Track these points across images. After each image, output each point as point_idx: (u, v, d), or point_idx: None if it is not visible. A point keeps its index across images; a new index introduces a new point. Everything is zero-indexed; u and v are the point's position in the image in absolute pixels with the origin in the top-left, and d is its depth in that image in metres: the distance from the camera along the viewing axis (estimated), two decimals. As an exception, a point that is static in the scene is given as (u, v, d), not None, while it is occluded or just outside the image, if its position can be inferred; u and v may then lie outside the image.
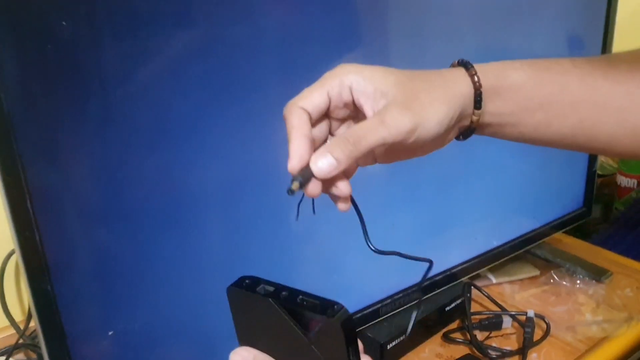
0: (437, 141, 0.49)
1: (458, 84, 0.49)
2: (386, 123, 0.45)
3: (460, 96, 0.49)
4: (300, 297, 0.43)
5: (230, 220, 0.70)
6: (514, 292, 1.04)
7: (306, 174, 0.45)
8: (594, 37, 1.04)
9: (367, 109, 0.47)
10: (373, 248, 0.50)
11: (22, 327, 0.85)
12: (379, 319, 0.87)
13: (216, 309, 0.70)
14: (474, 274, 1.00)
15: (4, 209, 0.55)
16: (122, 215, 0.62)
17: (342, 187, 0.48)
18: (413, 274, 0.92)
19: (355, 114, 0.49)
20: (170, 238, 0.66)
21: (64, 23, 0.53)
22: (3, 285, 0.83)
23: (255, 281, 0.45)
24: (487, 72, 0.50)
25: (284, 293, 0.44)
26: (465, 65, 0.50)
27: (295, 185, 0.45)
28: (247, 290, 0.44)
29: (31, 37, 0.53)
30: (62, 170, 0.58)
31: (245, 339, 0.47)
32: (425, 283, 0.93)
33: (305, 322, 0.43)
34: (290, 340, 0.44)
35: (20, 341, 0.83)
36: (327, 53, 0.71)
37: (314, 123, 0.47)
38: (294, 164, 0.45)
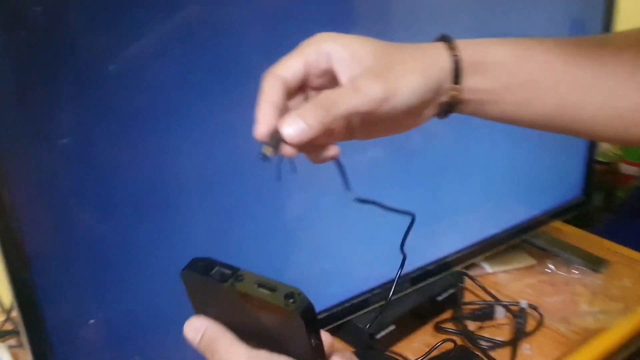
0: (413, 114, 0.48)
1: (436, 57, 0.48)
2: (358, 89, 0.45)
3: (438, 69, 0.48)
4: (258, 282, 0.42)
5: (215, 207, 0.69)
6: (509, 281, 1.03)
7: (276, 139, 0.44)
8: (594, 20, 1.02)
9: (342, 76, 0.46)
10: (353, 197, 0.49)
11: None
12: (368, 309, 0.86)
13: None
14: (468, 263, 0.99)
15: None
16: (103, 202, 0.62)
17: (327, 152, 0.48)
18: (405, 263, 0.91)
19: (332, 83, 0.48)
20: (152, 226, 0.65)
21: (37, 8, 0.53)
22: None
23: (210, 264, 0.44)
24: (468, 48, 0.49)
25: (240, 278, 0.42)
26: (446, 39, 0.49)
27: (267, 150, 0.44)
28: (201, 275, 0.43)
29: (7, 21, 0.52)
30: (41, 158, 0.57)
31: (201, 309, 0.46)
32: (418, 272, 0.92)
33: (263, 310, 0.42)
34: (249, 322, 0.43)
35: (8, 326, 0.84)
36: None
37: (291, 93, 0.47)
38: (260, 129, 0.45)
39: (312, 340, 0.41)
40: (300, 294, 0.41)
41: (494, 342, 0.89)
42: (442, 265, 0.94)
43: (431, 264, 0.93)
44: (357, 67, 0.46)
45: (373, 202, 0.50)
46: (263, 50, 0.67)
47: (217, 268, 0.43)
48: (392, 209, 0.51)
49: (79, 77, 0.57)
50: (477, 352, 0.85)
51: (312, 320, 0.41)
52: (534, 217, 1.06)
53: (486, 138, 0.94)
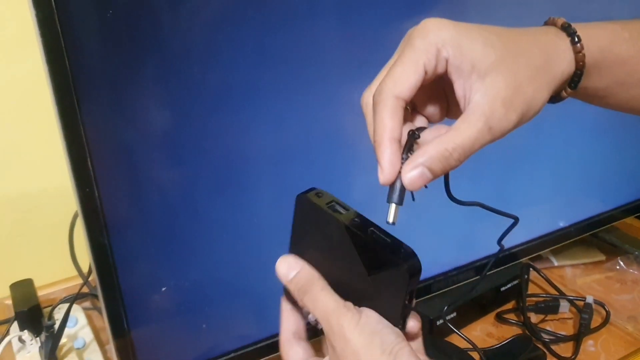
0: None
1: (560, 62, 0.43)
2: (494, 129, 0.40)
3: (561, 77, 0.43)
4: (371, 229, 0.42)
5: (283, 183, 0.71)
6: (575, 276, 1.01)
7: (396, 186, 0.42)
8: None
9: (458, 87, 0.41)
10: (454, 198, 0.47)
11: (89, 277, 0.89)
12: (430, 295, 0.86)
13: (265, 270, 0.72)
14: (534, 255, 0.98)
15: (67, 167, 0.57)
16: (178, 175, 0.64)
17: None
18: (470, 251, 0.91)
19: (440, 86, 0.44)
20: (224, 201, 0.67)
21: None
22: (73, 237, 0.88)
23: (329, 197, 0.44)
24: (592, 44, 0.44)
25: (356, 220, 0.42)
26: (570, 32, 0.44)
27: (393, 216, 0.42)
28: (319, 205, 0.43)
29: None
30: (121, 132, 0.60)
31: (297, 249, 0.46)
32: (483, 262, 0.91)
33: (369, 255, 0.41)
34: (347, 266, 0.43)
35: (85, 289, 0.88)
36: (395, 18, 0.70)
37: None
38: (387, 177, 0.41)
39: (406, 301, 0.41)
40: (412, 251, 0.40)
41: (557, 336, 0.87)
42: (508, 256, 0.93)
43: (496, 254, 0.92)
44: (477, 82, 0.40)
45: (477, 204, 0.49)
46: (338, 33, 0.67)
47: (333, 203, 0.43)
48: (497, 211, 0.50)
49: (162, 55, 0.59)
50: (538, 345, 0.84)
51: (415, 280, 0.40)
52: (605, 212, 1.03)
53: (563, 129, 0.92)
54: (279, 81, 0.65)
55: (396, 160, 0.41)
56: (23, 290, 0.85)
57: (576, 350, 0.84)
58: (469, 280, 0.90)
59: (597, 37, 0.45)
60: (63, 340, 0.80)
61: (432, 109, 0.46)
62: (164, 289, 0.67)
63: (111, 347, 0.66)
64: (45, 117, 0.55)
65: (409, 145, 0.42)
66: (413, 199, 0.43)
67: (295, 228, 0.46)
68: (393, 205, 0.42)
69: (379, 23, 0.70)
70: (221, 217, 0.68)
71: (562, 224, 0.99)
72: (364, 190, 0.77)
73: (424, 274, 0.85)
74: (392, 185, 0.41)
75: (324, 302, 0.43)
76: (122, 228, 0.62)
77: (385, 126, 0.40)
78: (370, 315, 0.42)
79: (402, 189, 0.41)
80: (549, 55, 0.43)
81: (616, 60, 0.46)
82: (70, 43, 0.53)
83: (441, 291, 0.87)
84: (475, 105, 0.40)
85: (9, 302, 0.91)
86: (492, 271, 0.92)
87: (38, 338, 0.80)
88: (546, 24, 0.47)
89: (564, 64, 0.44)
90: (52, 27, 0.52)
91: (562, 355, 0.83)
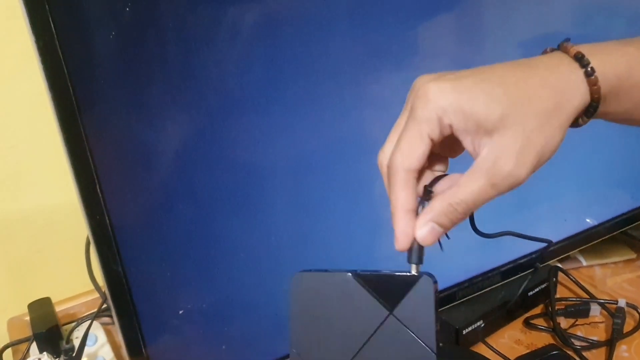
0: None
1: (574, 98, 0.42)
2: (498, 186, 0.41)
3: (575, 112, 0.42)
4: (375, 272, 0.43)
5: (299, 201, 0.69)
6: (605, 276, 0.98)
7: (414, 247, 0.44)
8: None
9: (467, 144, 0.42)
10: (481, 233, 0.48)
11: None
12: (455, 303, 0.84)
13: (282, 290, 0.70)
14: (563, 256, 0.95)
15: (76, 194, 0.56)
16: (190, 197, 0.62)
17: None
18: (493, 257, 0.88)
19: (449, 143, 0.44)
20: (238, 219, 0.65)
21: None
22: (89, 254, 0.87)
23: (322, 270, 0.45)
24: (608, 72, 0.42)
25: (358, 271, 0.43)
26: (583, 63, 0.42)
27: (415, 270, 0.43)
28: (317, 271, 0.44)
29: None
30: (129, 156, 0.58)
31: (303, 341, 0.46)
32: (509, 266, 0.88)
33: (385, 290, 0.43)
34: (364, 320, 0.43)
35: (104, 306, 0.87)
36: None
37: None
38: (402, 245, 0.43)
39: (437, 318, 0.42)
40: (427, 273, 0.43)
41: (588, 342, 0.85)
42: (535, 259, 0.90)
43: (523, 257, 0.89)
44: (485, 137, 0.41)
45: (506, 233, 0.49)
46: (351, 45, 0.65)
47: (327, 269, 0.45)
48: (528, 237, 0.49)
49: (171, 69, 0.57)
50: (569, 352, 0.81)
51: (438, 298, 0.43)
52: (635, 209, 1.00)
53: (590, 124, 0.89)
54: (292, 91, 0.63)
55: (409, 229, 0.43)
56: (41, 310, 0.84)
57: (609, 357, 0.82)
58: (494, 286, 0.87)
59: (613, 65, 0.43)
60: (83, 359, 0.79)
61: (449, 150, 0.46)
62: (181, 311, 0.66)
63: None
64: (57, 134, 0.53)
65: (424, 200, 0.43)
66: (441, 249, 0.44)
67: (294, 315, 0.46)
68: (414, 265, 0.43)
69: (393, 29, 0.67)
70: (237, 237, 0.66)
71: (590, 223, 0.95)
72: (382, 200, 0.75)
73: (448, 282, 0.83)
74: (409, 248, 0.43)
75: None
76: (136, 253, 0.61)
77: (398, 199, 0.43)
78: None
79: (420, 248, 0.43)
80: (561, 94, 0.42)
81: (635, 85, 0.43)
82: (73, 67, 0.51)
83: (466, 298, 0.85)
84: (481, 161, 0.41)
85: (27, 318, 0.90)
86: (518, 275, 0.89)
87: None
88: (559, 47, 0.45)
89: (578, 99, 0.42)
90: (54, 55, 0.50)
91: (595, 361, 0.81)
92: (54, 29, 0.50)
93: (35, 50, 0.50)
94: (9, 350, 0.90)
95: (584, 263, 1.00)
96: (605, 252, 1.01)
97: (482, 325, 0.85)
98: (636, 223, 1.01)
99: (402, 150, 0.42)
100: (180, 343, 0.67)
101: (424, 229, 0.42)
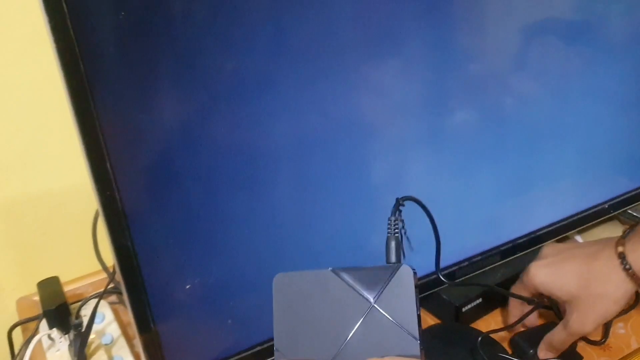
0: None
1: (618, 288, 0.70)
2: (573, 335, 0.73)
3: (624, 294, 0.70)
4: (354, 268, 0.45)
5: (303, 178, 0.70)
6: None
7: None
8: None
9: (561, 306, 0.79)
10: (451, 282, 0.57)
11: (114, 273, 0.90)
12: (455, 281, 0.86)
13: (287, 263, 0.72)
14: (561, 236, 0.96)
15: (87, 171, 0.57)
16: (197, 174, 0.64)
17: None
18: (494, 236, 0.90)
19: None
20: (244, 197, 0.67)
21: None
22: (96, 234, 0.88)
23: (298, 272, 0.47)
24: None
25: (335, 267, 0.45)
26: (624, 264, 0.69)
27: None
28: (298, 272, 0.46)
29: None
30: (138, 132, 0.60)
31: (287, 340, 0.47)
32: (508, 246, 0.90)
33: (366, 282, 0.44)
34: (347, 314, 0.44)
35: (111, 285, 0.89)
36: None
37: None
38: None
39: (418, 304, 0.44)
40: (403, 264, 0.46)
41: (586, 319, 0.86)
42: (533, 239, 0.92)
43: (522, 237, 0.91)
44: (568, 307, 0.74)
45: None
46: (358, 24, 0.66)
47: (306, 270, 0.48)
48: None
49: (177, 50, 0.58)
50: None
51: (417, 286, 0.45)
52: (635, 189, 1.01)
53: (587, 105, 0.90)
54: (297, 72, 0.65)
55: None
56: (50, 288, 0.86)
57: (606, 333, 0.83)
58: (494, 265, 0.89)
59: None
60: (91, 336, 0.80)
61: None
62: (188, 286, 0.67)
63: (138, 342, 0.67)
64: (65, 115, 0.55)
65: None
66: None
67: (278, 316, 0.48)
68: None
69: (398, 9, 0.68)
70: (242, 213, 0.67)
71: (589, 204, 0.97)
72: (384, 179, 0.77)
73: (449, 260, 0.85)
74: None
75: None
76: (145, 229, 0.62)
77: (511, 312, 0.85)
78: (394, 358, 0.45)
79: (397, 245, 0.52)
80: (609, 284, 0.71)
81: None
82: (84, 47, 0.53)
83: (466, 277, 0.87)
84: (565, 320, 0.75)
85: (37, 298, 0.92)
86: (517, 255, 0.91)
87: (67, 336, 0.81)
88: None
89: (623, 287, 0.70)
90: (66, 34, 0.52)
91: (592, 338, 0.82)
92: (66, 10, 0.51)
93: (49, 30, 0.51)
94: (18, 329, 0.92)
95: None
96: (602, 232, 1.03)
97: (481, 303, 0.87)
98: (635, 204, 1.03)
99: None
100: (187, 317, 0.69)
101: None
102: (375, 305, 0.44)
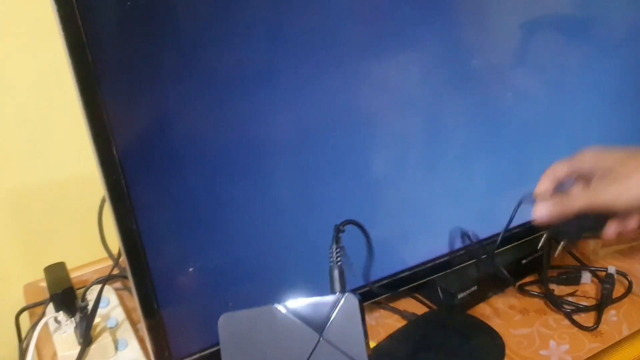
0: None
1: None
2: (592, 195, 0.67)
3: None
4: (299, 300, 0.45)
5: (303, 168, 0.72)
6: (597, 246, 1.01)
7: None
8: None
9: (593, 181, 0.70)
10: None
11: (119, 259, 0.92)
12: (450, 269, 0.88)
13: (287, 251, 0.74)
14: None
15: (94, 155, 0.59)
16: (201, 160, 0.66)
17: None
18: (489, 226, 0.91)
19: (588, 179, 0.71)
20: (246, 183, 0.69)
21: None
22: (102, 221, 0.90)
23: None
24: None
25: (280, 303, 0.46)
26: None
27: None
28: (243, 311, 0.46)
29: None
30: (144, 119, 0.62)
31: None
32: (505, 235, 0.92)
33: (312, 316, 0.45)
34: (297, 348, 0.45)
35: (116, 271, 0.91)
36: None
37: (561, 179, 0.74)
38: (537, 189, 0.75)
39: (365, 328, 0.45)
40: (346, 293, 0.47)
41: (578, 307, 0.88)
42: (530, 229, 0.94)
43: (518, 226, 0.93)
44: (601, 178, 0.68)
45: None
46: (358, 18, 0.68)
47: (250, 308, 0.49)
48: None
49: (181, 40, 0.60)
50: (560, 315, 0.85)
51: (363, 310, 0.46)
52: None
53: (582, 97, 0.92)
54: (297, 63, 0.67)
55: (546, 184, 0.75)
56: (56, 273, 0.88)
57: (598, 320, 0.85)
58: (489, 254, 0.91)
59: None
60: (96, 320, 0.83)
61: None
62: (191, 269, 0.69)
63: (142, 326, 0.69)
64: (72, 105, 0.57)
65: None
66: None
67: (226, 357, 0.47)
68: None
69: (397, 4, 0.70)
70: (244, 200, 0.69)
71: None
72: (385, 172, 0.79)
73: (445, 249, 0.87)
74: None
75: None
76: (149, 213, 0.64)
77: (543, 178, 0.76)
78: None
79: (341, 275, 0.51)
80: None
81: None
82: (91, 36, 0.55)
83: (461, 265, 0.88)
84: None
85: (44, 284, 0.94)
86: (513, 244, 0.93)
87: (73, 319, 0.83)
88: None
89: None
90: (74, 23, 0.54)
91: (584, 325, 0.84)
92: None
93: (57, 18, 0.53)
94: (25, 314, 0.94)
95: (577, 234, 1.03)
96: (597, 223, 1.04)
97: (476, 290, 0.88)
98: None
99: (556, 164, 0.76)
100: (190, 299, 0.71)
101: (540, 211, 0.73)
102: (323, 338, 0.44)
